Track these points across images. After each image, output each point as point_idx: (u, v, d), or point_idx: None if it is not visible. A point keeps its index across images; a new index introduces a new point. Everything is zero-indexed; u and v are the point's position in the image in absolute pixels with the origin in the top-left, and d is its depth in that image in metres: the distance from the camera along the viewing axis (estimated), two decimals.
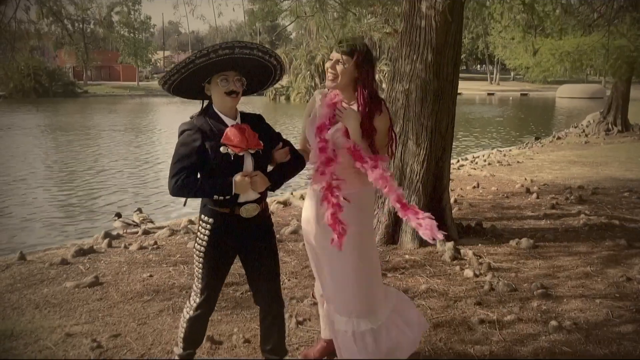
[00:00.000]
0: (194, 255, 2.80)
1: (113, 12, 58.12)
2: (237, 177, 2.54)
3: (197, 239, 2.76)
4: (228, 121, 2.63)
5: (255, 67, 2.64)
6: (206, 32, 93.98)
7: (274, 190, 2.76)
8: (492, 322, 3.82)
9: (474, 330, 3.72)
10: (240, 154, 2.58)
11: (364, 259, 2.89)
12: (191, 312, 2.84)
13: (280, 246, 2.95)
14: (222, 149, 2.55)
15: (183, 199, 2.65)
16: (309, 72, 43.23)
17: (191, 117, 2.70)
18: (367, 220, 3.02)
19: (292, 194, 8.45)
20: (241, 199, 2.65)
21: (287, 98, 44.76)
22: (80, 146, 18.03)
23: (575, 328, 3.72)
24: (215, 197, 2.60)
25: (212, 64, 2.50)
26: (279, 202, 7.64)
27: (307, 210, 3.03)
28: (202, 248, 2.74)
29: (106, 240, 5.82)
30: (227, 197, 2.59)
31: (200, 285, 2.80)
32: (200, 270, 2.78)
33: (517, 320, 3.86)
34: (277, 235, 2.92)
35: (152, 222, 7.17)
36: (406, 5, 5.44)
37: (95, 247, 5.66)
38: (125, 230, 6.39)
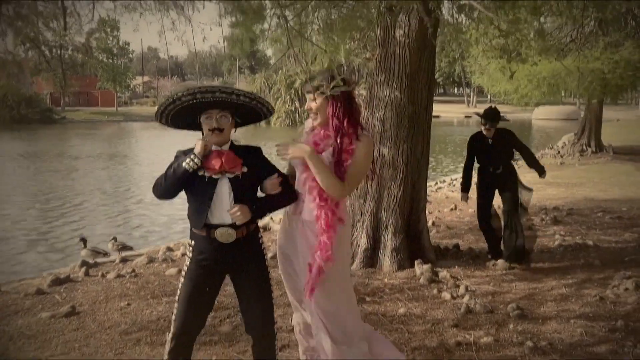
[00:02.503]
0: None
1: (92, 37, 57.95)
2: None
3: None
4: (215, 148, 2.75)
5: (238, 105, 2.75)
6: (185, 57, 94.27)
7: (255, 220, 2.79)
8: (469, 344, 3.86)
9: (452, 352, 3.75)
10: (215, 176, 2.69)
11: (343, 288, 2.91)
12: (166, 346, 2.80)
13: None
14: (199, 171, 2.70)
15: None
16: (288, 97, 43.52)
17: None
18: (344, 255, 3.00)
19: (271, 218, 8.44)
20: (215, 221, 2.70)
21: (268, 122, 44.91)
22: (56, 173, 17.85)
23: (550, 349, 3.78)
24: (188, 166, 2.67)
25: (186, 107, 2.68)
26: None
27: (288, 239, 3.00)
28: (185, 269, 2.81)
29: (83, 269, 5.76)
30: (192, 164, 2.66)
31: (175, 312, 2.79)
32: (178, 294, 2.79)
33: (494, 342, 3.90)
34: None
35: (132, 248, 7.10)
36: (381, 33, 5.56)
37: (72, 276, 5.60)
38: (94, 260, 6.31)
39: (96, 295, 5.03)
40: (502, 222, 5.89)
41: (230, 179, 2.71)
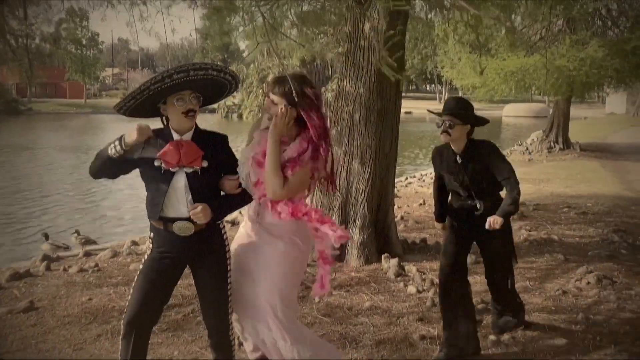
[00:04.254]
0: None
1: (61, 27, 56.43)
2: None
3: None
4: (176, 137, 2.63)
5: (211, 84, 2.64)
6: (156, 49, 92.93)
7: (216, 221, 2.71)
8: (433, 337, 3.88)
9: (415, 346, 3.77)
10: (173, 169, 2.58)
11: (288, 283, 2.86)
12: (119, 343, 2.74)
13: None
14: (155, 162, 2.58)
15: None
16: (261, 90, 43.25)
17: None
18: (304, 248, 2.92)
19: (240, 212, 8.38)
20: (171, 214, 2.62)
21: (240, 116, 44.62)
22: (20, 165, 17.43)
23: (512, 342, 3.82)
24: (111, 151, 2.62)
25: (168, 87, 2.51)
26: (227, 221, 7.56)
27: (247, 245, 2.92)
28: (145, 257, 2.74)
29: (44, 264, 5.61)
30: (114, 152, 2.61)
31: (129, 298, 2.71)
32: (133, 285, 2.71)
33: None
34: None
35: (95, 242, 6.97)
36: (349, 27, 5.53)
37: (32, 270, 5.44)
38: (55, 254, 6.15)
39: (57, 290, 4.90)
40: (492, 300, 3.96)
41: (187, 174, 2.59)
